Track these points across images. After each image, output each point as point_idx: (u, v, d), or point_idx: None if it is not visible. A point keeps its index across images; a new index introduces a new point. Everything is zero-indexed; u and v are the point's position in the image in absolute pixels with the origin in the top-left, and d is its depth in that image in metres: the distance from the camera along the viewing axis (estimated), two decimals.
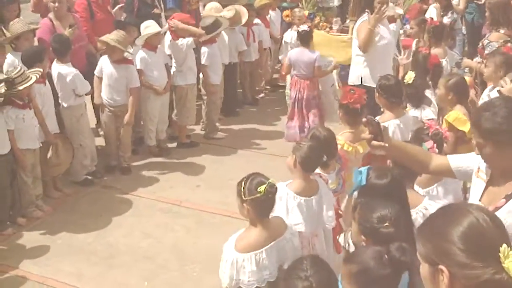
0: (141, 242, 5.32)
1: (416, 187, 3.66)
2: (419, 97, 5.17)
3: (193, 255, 5.10)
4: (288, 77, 7.40)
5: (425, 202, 3.37)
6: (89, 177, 6.42)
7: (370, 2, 6.13)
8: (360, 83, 6.17)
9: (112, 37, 6.25)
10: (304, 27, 7.17)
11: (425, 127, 3.94)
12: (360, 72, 6.28)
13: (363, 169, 3.11)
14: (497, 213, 2.42)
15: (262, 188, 3.12)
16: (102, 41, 6.38)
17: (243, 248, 3.23)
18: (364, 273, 2.34)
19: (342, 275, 2.42)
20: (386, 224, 2.65)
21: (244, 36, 8.46)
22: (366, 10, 6.16)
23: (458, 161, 2.92)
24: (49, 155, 5.90)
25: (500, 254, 1.57)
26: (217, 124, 7.85)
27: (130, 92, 6.48)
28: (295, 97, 6.95)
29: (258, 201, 3.16)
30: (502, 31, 6.35)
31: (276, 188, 3.25)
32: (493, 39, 6.34)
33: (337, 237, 3.50)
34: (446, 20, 8.83)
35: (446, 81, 4.86)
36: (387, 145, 2.87)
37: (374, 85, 5.47)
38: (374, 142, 2.88)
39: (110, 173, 6.61)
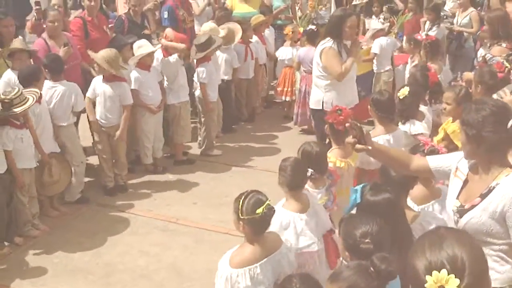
0: (138, 261, 5.29)
1: (411, 203, 3.66)
2: (407, 114, 5.18)
3: (191, 273, 5.07)
4: (298, 74, 8.44)
5: (421, 219, 3.36)
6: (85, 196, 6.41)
7: (339, 26, 5.88)
8: (321, 107, 6.01)
9: (102, 54, 6.24)
10: (311, 27, 8.06)
11: (420, 144, 3.96)
12: (321, 96, 6.07)
13: (358, 187, 3.14)
14: (473, 211, 2.71)
15: (260, 210, 3.14)
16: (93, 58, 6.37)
17: (237, 263, 3.22)
18: None
19: None
20: (367, 240, 2.68)
21: (242, 54, 8.52)
22: (328, 37, 5.94)
23: (437, 161, 3.09)
24: (44, 176, 5.88)
25: (431, 277, 1.68)
26: (213, 141, 7.86)
27: (123, 110, 6.48)
28: (305, 90, 7.97)
29: (254, 221, 3.17)
30: (504, 44, 6.36)
31: (274, 210, 3.26)
32: (495, 53, 6.31)
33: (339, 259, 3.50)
34: (431, 33, 8.90)
35: (456, 94, 4.91)
36: (370, 147, 3.04)
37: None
38: (358, 146, 3.02)
39: (107, 194, 6.56)
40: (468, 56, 9.04)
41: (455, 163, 2.97)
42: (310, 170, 3.89)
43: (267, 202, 3.20)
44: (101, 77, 6.41)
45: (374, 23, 8.77)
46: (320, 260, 3.79)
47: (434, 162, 3.08)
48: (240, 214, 3.18)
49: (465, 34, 9.06)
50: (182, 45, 7.14)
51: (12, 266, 5.21)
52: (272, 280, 3.26)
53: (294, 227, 3.70)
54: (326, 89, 6.04)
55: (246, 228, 3.21)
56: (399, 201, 3.14)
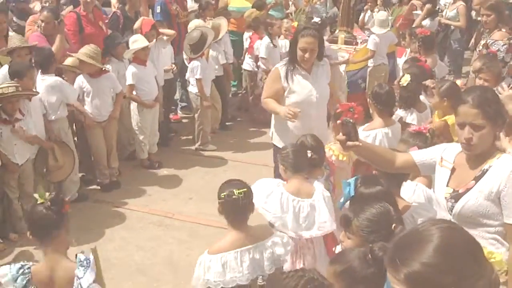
0: (134, 255, 5.30)
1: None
2: (410, 101, 5.20)
3: (186, 267, 5.07)
4: None
5: (412, 210, 3.37)
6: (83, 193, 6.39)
7: (293, 45, 4.78)
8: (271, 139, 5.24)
9: (83, 51, 6.20)
10: (317, 19, 7.93)
11: (412, 131, 4.00)
12: (272, 129, 5.18)
13: (351, 180, 3.15)
14: (469, 194, 2.79)
15: (222, 195, 3.34)
16: (75, 57, 6.27)
17: (213, 250, 3.36)
18: (349, 272, 2.38)
19: (327, 275, 2.43)
20: (394, 225, 2.68)
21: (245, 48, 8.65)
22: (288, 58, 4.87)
23: (421, 155, 3.14)
24: (49, 161, 5.84)
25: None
26: (208, 136, 7.86)
27: (116, 97, 6.50)
28: None
29: (227, 204, 3.33)
30: (504, 30, 6.38)
31: (249, 198, 3.35)
32: (496, 37, 6.32)
33: (333, 249, 3.51)
34: (424, 25, 8.90)
35: (438, 88, 4.89)
36: (360, 144, 3.03)
37: (280, 145, 4.72)
38: (349, 143, 3.01)
39: (103, 190, 6.56)
40: (454, 48, 9.07)
41: (439, 154, 3.05)
42: (309, 152, 4.05)
43: (243, 189, 3.32)
44: (83, 75, 6.34)
45: (380, 14, 8.67)
46: (319, 248, 3.86)
47: (418, 156, 3.13)
48: (218, 197, 3.37)
49: (452, 26, 9.07)
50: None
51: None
52: (250, 269, 3.32)
53: (294, 211, 3.75)
54: (273, 119, 5.15)
55: (221, 210, 3.37)
56: (391, 192, 3.15)
